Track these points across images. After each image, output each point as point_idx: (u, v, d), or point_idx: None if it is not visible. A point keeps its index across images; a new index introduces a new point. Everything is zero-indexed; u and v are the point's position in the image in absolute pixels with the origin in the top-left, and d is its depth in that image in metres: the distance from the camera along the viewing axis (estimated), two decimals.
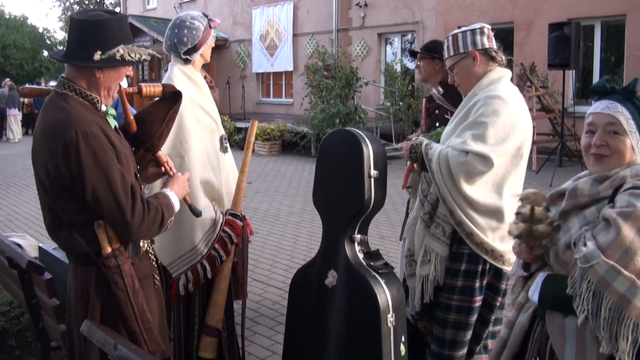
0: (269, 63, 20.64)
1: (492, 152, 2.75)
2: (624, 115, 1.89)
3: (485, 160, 2.75)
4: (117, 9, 34.28)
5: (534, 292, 1.99)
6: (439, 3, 15.48)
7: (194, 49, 3.25)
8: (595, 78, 12.95)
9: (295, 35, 19.55)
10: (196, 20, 3.26)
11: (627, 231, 1.68)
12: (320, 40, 18.36)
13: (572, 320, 1.84)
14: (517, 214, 2.03)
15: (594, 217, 1.86)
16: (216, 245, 3.16)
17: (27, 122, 22.42)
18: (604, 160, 1.92)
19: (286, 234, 7.32)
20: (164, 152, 2.66)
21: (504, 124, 2.79)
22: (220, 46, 22.12)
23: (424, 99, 4.05)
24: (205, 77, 3.56)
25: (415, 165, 3.13)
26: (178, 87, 2.94)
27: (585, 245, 1.75)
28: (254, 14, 20.87)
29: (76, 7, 38.81)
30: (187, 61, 3.28)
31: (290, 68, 19.77)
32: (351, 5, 17.78)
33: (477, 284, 2.97)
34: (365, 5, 17.29)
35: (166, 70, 3.40)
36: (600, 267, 1.67)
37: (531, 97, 12.43)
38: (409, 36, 16.61)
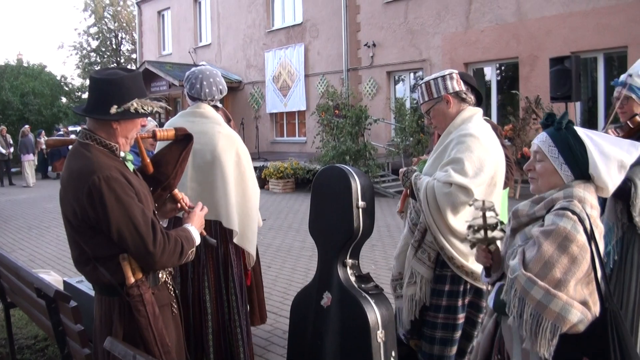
0: (282, 103, 21.11)
1: (471, 183, 3.02)
2: (546, 144, 2.20)
3: (467, 192, 3.02)
4: (134, 55, 35.17)
5: (490, 300, 2.27)
6: (445, 41, 15.86)
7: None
8: (601, 108, 13.14)
9: (307, 76, 20.06)
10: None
11: (547, 247, 1.97)
12: (331, 80, 18.84)
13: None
14: (470, 226, 2.28)
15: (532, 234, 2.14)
16: None
17: (44, 167, 22.49)
18: (533, 182, 2.26)
19: (297, 268, 7.52)
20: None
21: (478, 158, 3.07)
22: (235, 88, 22.69)
23: None
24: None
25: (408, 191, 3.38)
26: (228, 127, 3.49)
27: (514, 259, 2.04)
28: (267, 57, 21.46)
29: (93, 54, 39.63)
30: (216, 107, 3.64)
31: (303, 107, 20.22)
32: (360, 46, 18.28)
33: (460, 303, 3.22)
34: (374, 45, 17.78)
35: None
36: (521, 278, 1.97)
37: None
38: (421, 73, 16.92)
